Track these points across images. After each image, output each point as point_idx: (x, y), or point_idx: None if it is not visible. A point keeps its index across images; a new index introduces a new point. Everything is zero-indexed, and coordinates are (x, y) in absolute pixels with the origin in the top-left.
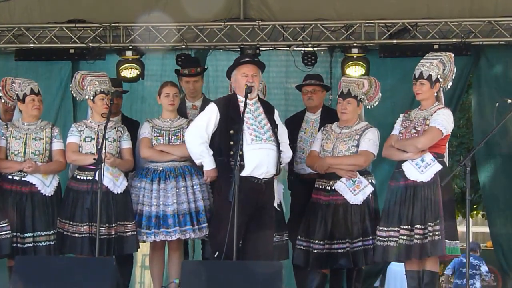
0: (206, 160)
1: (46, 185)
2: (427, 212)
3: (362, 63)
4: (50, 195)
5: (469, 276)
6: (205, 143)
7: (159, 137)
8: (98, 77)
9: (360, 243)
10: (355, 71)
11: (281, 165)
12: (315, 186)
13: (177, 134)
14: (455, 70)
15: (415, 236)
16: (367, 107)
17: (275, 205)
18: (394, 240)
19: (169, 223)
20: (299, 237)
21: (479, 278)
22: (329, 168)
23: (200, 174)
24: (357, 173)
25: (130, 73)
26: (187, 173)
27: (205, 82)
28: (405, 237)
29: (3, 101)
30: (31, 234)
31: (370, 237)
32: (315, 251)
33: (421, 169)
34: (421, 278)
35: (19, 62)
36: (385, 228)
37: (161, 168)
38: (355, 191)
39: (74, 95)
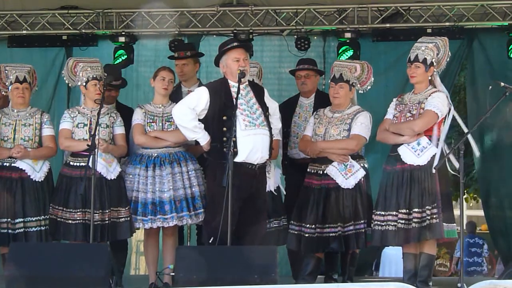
0: (201, 134)
1: (36, 170)
2: (425, 196)
3: (351, 46)
4: (40, 180)
5: (476, 254)
6: (195, 119)
7: (152, 123)
8: (91, 63)
9: (351, 227)
10: (345, 54)
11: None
12: (308, 170)
13: (170, 120)
14: (449, 54)
15: (413, 220)
16: (360, 91)
17: (272, 189)
18: (392, 224)
19: (166, 210)
20: (292, 222)
21: (482, 255)
22: (321, 152)
23: (194, 160)
24: (349, 157)
25: (120, 59)
26: (182, 159)
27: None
28: (403, 221)
29: None
30: (21, 220)
31: (362, 221)
32: (307, 235)
33: (417, 153)
34: (418, 261)
35: (13, 49)
36: (383, 213)
37: (155, 155)
38: (346, 175)
39: (66, 81)
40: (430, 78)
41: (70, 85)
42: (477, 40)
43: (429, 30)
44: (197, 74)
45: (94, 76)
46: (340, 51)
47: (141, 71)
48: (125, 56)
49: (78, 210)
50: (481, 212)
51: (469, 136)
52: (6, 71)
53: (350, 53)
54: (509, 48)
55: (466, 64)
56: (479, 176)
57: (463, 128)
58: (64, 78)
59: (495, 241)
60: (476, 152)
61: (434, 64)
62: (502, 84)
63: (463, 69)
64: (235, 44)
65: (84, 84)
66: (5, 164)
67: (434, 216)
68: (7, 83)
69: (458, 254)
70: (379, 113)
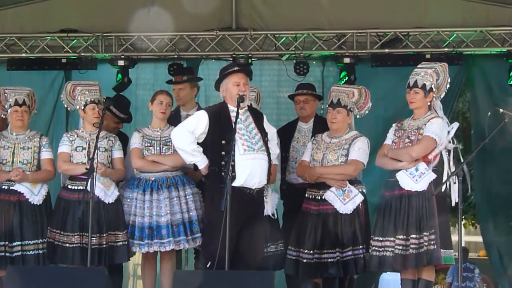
0: (200, 158)
1: (35, 194)
2: (422, 222)
3: (346, 71)
4: (38, 203)
5: (468, 278)
6: (194, 142)
7: (150, 147)
8: (89, 87)
9: (350, 252)
10: (344, 79)
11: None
12: (306, 195)
13: (168, 143)
14: (449, 80)
15: (411, 245)
16: (357, 116)
17: (270, 213)
18: (389, 250)
19: (163, 234)
20: (289, 247)
21: (474, 280)
22: (319, 177)
23: (192, 184)
24: (347, 182)
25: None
26: (180, 183)
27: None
28: (400, 247)
29: None
30: (19, 243)
31: (361, 246)
32: (305, 260)
33: (415, 179)
34: (416, 287)
35: (13, 72)
36: (380, 238)
37: (153, 179)
38: (345, 201)
39: (65, 105)
40: (429, 103)
41: (69, 108)
42: (477, 66)
43: (428, 56)
44: (196, 98)
45: (92, 99)
46: (341, 76)
47: (140, 94)
48: (119, 81)
49: (76, 234)
50: (478, 238)
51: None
52: (6, 94)
53: (345, 78)
54: (510, 75)
55: (465, 90)
56: (476, 199)
57: (459, 154)
58: (63, 102)
59: (494, 264)
60: (468, 183)
61: (434, 89)
62: (501, 110)
63: (462, 95)
64: (235, 68)
65: (82, 107)
66: (3, 187)
67: (432, 242)
68: (6, 106)
69: (449, 279)
70: (377, 136)
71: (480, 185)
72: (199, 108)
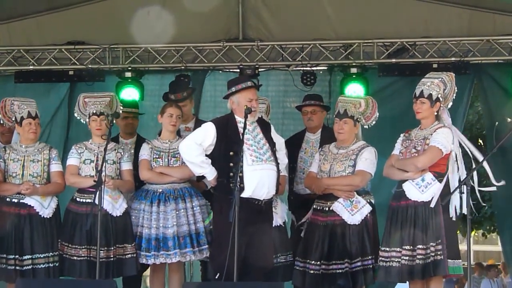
0: (208, 169)
1: (45, 207)
2: (429, 232)
3: (361, 83)
4: (48, 217)
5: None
6: (202, 154)
7: (158, 159)
8: (96, 99)
9: (359, 263)
10: (354, 91)
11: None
12: (314, 207)
13: (176, 155)
14: (456, 89)
15: (417, 256)
16: (364, 126)
17: (280, 223)
18: (396, 260)
19: (169, 246)
20: (297, 258)
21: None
22: (326, 189)
23: (199, 195)
24: (355, 193)
25: (129, 95)
26: (187, 194)
27: (204, 102)
28: (407, 258)
29: (1, 122)
30: (29, 257)
31: (370, 257)
32: (311, 271)
33: (421, 189)
34: None
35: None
36: (387, 249)
37: (160, 190)
38: (352, 211)
39: (78, 117)
40: (436, 113)
41: (82, 120)
42: (486, 75)
43: (435, 65)
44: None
45: (94, 111)
46: (344, 86)
47: (146, 103)
48: (138, 95)
49: (83, 247)
50: (488, 247)
51: (487, 167)
52: (13, 106)
53: (361, 91)
54: None
55: (474, 101)
56: (496, 207)
57: (477, 157)
58: (76, 115)
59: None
60: (494, 182)
61: (441, 99)
62: (509, 119)
63: (471, 107)
64: (249, 84)
65: (87, 119)
66: (13, 200)
67: (439, 253)
68: (13, 118)
69: None
70: (385, 148)
71: (501, 194)
72: (197, 119)
